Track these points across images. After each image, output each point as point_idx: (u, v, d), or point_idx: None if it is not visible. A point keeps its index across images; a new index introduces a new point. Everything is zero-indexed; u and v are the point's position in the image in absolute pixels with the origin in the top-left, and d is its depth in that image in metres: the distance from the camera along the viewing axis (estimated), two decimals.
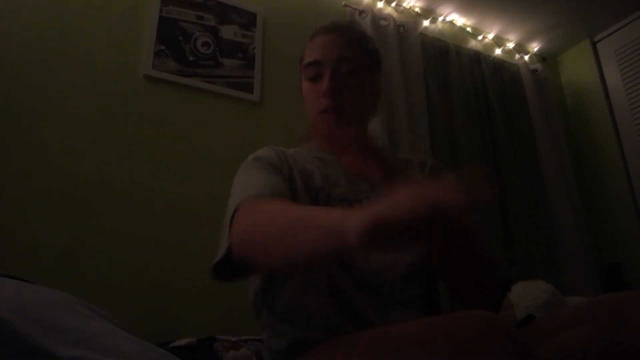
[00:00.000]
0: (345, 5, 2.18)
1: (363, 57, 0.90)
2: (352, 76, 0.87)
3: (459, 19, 2.57)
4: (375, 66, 0.95)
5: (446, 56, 2.39)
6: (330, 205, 0.82)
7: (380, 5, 2.33)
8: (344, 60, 0.87)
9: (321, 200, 0.83)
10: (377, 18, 2.20)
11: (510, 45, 2.72)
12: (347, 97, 0.86)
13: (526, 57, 2.70)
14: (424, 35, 2.35)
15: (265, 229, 0.64)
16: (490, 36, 2.66)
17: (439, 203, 0.42)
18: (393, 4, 2.37)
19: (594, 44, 2.79)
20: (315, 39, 0.91)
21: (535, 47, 2.82)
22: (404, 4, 2.41)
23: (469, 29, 2.61)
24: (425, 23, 2.43)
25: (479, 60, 2.50)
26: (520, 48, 2.78)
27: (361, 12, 2.20)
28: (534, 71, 2.65)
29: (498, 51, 2.67)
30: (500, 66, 2.58)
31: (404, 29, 2.26)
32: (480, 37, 2.63)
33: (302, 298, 0.77)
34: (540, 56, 2.83)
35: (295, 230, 0.59)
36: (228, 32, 1.87)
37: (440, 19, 2.51)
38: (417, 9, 2.44)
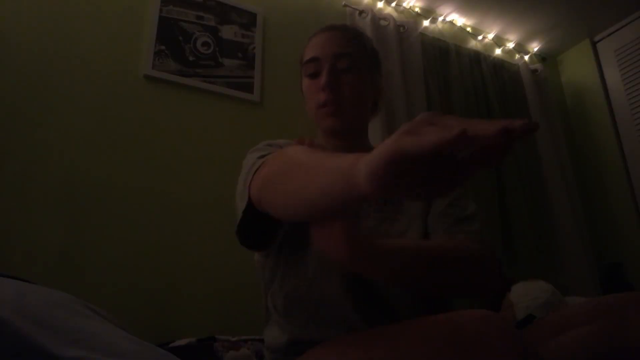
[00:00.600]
0: (345, 5, 2.19)
1: (360, 54, 0.92)
2: (349, 72, 0.89)
3: (459, 19, 2.57)
4: (373, 66, 0.96)
5: (446, 56, 2.39)
6: None
7: (380, 5, 2.33)
8: (341, 56, 0.89)
9: None
10: (377, 18, 2.20)
11: (510, 45, 2.72)
12: (345, 92, 0.88)
13: (526, 57, 2.70)
14: (424, 35, 2.35)
15: (282, 166, 0.62)
16: (490, 36, 2.67)
17: (476, 133, 0.35)
18: (393, 4, 2.37)
19: (594, 44, 2.79)
20: (314, 39, 0.93)
21: (535, 47, 2.82)
22: (404, 4, 2.41)
23: (469, 29, 2.61)
24: (425, 23, 2.43)
25: (479, 60, 2.50)
26: (520, 48, 2.78)
27: (361, 12, 2.20)
28: (534, 71, 2.65)
29: (498, 51, 2.67)
30: (500, 66, 2.58)
31: (404, 29, 2.26)
32: (480, 37, 2.63)
33: (311, 289, 0.77)
34: (540, 56, 2.83)
35: (308, 170, 0.54)
36: (228, 32, 1.87)
37: (440, 19, 2.51)
38: (417, 9, 2.44)
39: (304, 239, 0.75)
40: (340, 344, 0.65)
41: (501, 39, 2.72)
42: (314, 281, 0.77)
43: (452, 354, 0.47)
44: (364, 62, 0.92)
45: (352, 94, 0.89)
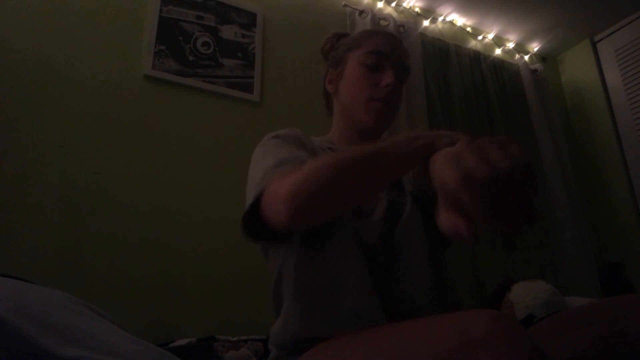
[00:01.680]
0: (345, 5, 2.19)
1: (409, 69, 0.98)
2: (401, 84, 0.94)
3: (459, 19, 2.57)
4: None
5: (446, 56, 2.39)
6: None
7: (380, 5, 2.33)
8: (404, 67, 0.95)
9: None
10: (377, 18, 2.20)
11: (510, 45, 2.72)
12: (397, 99, 0.94)
13: (526, 57, 2.70)
14: (424, 35, 2.35)
15: (332, 170, 0.64)
16: (490, 36, 2.67)
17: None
18: (393, 4, 2.37)
19: (594, 44, 2.79)
20: (382, 36, 0.96)
21: (535, 47, 2.82)
22: (404, 4, 2.41)
23: (469, 29, 2.61)
24: (425, 23, 2.43)
25: (479, 60, 2.50)
26: (520, 48, 2.78)
27: (361, 12, 2.20)
28: (534, 71, 2.65)
29: (498, 51, 2.67)
30: (500, 66, 2.58)
31: (404, 29, 2.26)
32: (480, 37, 2.63)
33: (329, 279, 0.76)
34: (540, 56, 2.84)
35: (377, 157, 0.64)
36: (228, 32, 1.87)
37: (440, 19, 2.51)
38: (417, 9, 2.44)
39: (324, 229, 0.76)
40: (346, 342, 0.64)
41: (501, 39, 2.72)
42: (334, 270, 0.75)
43: (460, 353, 0.47)
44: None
45: (398, 104, 0.95)
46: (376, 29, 1.03)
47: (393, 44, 0.94)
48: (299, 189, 0.63)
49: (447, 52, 2.40)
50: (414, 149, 0.64)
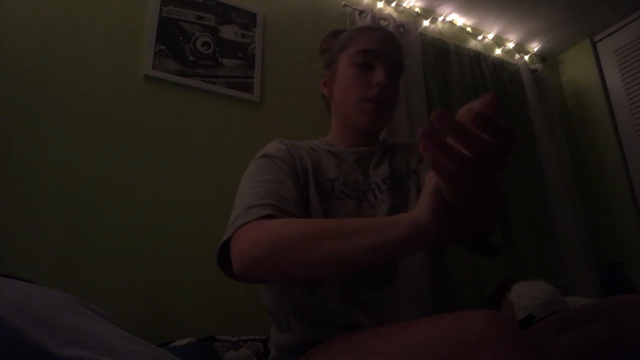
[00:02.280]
0: (345, 5, 2.19)
1: (403, 64, 0.95)
2: (396, 80, 0.92)
3: (459, 19, 2.57)
4: None
5: (446, 56, 2.39)
6: (345, 194, 0.84)
7: (380, 5, 2.33)
8: (397, 62, 0.91)
9: (337, 189, 0.84)
10: (377, 18, 2.20)
11: (510, 45, 2.72)
12: (391, 96, 0.90)
13: (526, 57, 2.70)
14: (423, 35, 2.35)
15: (300, 234, 0.63)
16: (490, 36, 2.67)
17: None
18: (393, 4, 2.37)
19: (594, 44, 2.79)
20: (371, 33, 0.93)
21: (535, 47, 2.82)
22: (404, 4, 2.41)
23: (469, 29, 2.61)
24: (425, 23, 2.43)
25: (479, 60, 2.50)
26: (520, 48, 2.78)
27: (361, 12, 2.20)
28: (534, 71, 2.65)
29: (498, 51, 2.67)
30: (500, 66, 2.58)
31: (404, 29, 2.26)
32: (480, 37, 2.63)
33: (314, 295, 0.76)
34: (540, 56, 2.84)
35: (347, 232, 0.60)
36: (228, 32, 1.87)
37: (440, 19, 2.51)
38: (417, 9, 2.44)
39: None
40: (346, 342, 0.64)
41: (501, 39, 2.72)
42: (333, 283, 0.76)
43: (458, 353, 0.47)
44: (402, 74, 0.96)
45: (393, 101, 0.92)
46: (367, 25, 1.00)
47: (383, 40, 0.91)
48: (253, 252, 0.64)
49: (447, 52, 2.40)
50: (385, 238, 0.58)
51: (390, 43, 0.92)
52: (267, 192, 0.74)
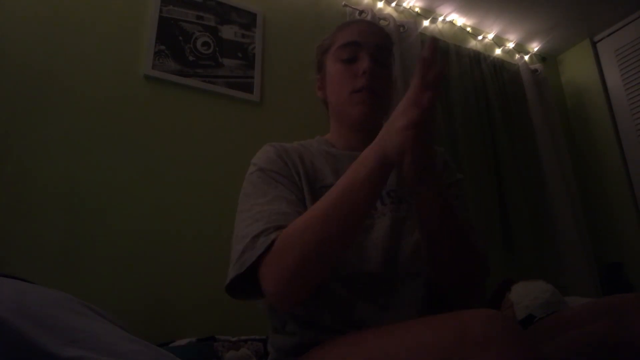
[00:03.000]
0: (345, 5, 2.19)
1: (392, 51, 0.93)
2: (385, 68, 0.89)
3: (459, 19, 2.57)
4: (393, 62, 0.98)
5: (446, 56, 2.39)
6: None
7: (380, 5, 2.33)
8: (383, 49, 0.89)
9: None
10: (377, 18, 2.20)
11: (510, 45, 2.72)
12: (382, 83, 0.88)
13: (526, 57, 2.70)
14: (423, 36, 2.34)
15: (308, 226, 0.67)
16: (490, 36, 2.67)
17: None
18: (393, 4, 2.37)
19: (594, 44, 2.79)
20: (351, 26, 0.92)
21: (535, 47, 2.82)
22: (404, 4, 2.41)
23: (469, 29, 2.61)
24: (425, 23, 2.43)
25: (479, 60, 2.50)
26: (520, 48, 2.78)
27: (361, 12, 2.20)
28: (534, 71, 2.65)
29: (498, 51, 2.67)
30: (500, 66, 2.58)
31: (404, 29, 2.26)
32: (480, 37, 2.63)
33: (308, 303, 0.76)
34: (540, 56, 2.84)
35: (341, 195, 0.66)
36: (228, 32, 1.87)
37: (440, 19, 2.51)
38: (417, 9, 2.44)
39: None
40: (345, 343, 0.64)
41: (501, 39, 2.72)
42: (337, 306, 0.75)
43: (458, 353, 0.47)
44: (393, 62, 0.93)
45: (385, 89, 0.89)
46: (348, 20, 0.99)
47: (364, 30, 0.90)
48: (287, 275, 0.66)
49: (447, 52, 2.39)
50: (370, 167, 0.65)
51: (372, 32, 0.90)
52: (271, 214, 0.73)
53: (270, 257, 0.68)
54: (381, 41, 0.90)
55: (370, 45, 0.87)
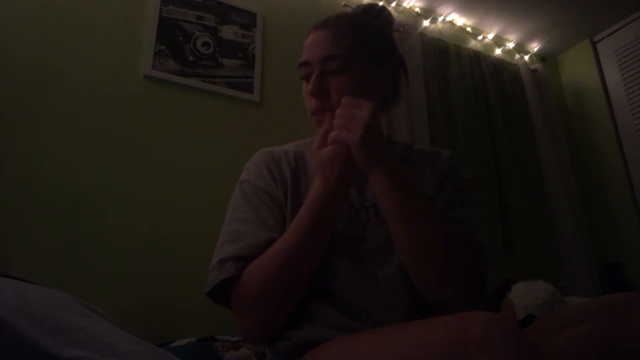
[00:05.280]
0: (345, 5, 2.19)
1: (354, 51, 0.83)
2: (340, 74, 0.81)
3: (459, 19, 2.58)
4: (378, 57, 0.88)
5: (446, 56, 2.39)
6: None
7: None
8: (329, 58, 0.82)
9: None
10: None
11: (510, 45, 2.72)
12: (334, 97, 0.81)
13: (526, 57, 2.71)
14: (424, 35, 2.35)
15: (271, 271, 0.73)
16: (490, 36, 2.67)
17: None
18: (393, 4, 2.37)
19: (594, 44, 2.79)
20: (307, 38, 0.88)
21: (535, 47, 2.82)
22: (404, 4, 2.41)
23: (469, 29, 2.61)
24: (425, 23, 2.43)
25: (479, 60, 2.50)
26: (520, 48, 2.78)
27: None
28: (534, 71, 2.65)
29: (498, 51, 2.67)
30: (500, 66, 2.58)
31: (404, 29, 2.26)
32: (480, 37, 2.63)
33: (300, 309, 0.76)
34: (540, 56, 2.84)
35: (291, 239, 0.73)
36: (228, 32, 1.87)
37: (440, 19, 2.51)
38: (417, 9, 2.44)
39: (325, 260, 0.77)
40: (344, 344, 0.64)
41: (501, 39, 2.72)
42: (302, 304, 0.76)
43: (459, 355, 0.47)
44: (359, 59, 0.84)
45: (349, 94, 0.81)
46: (313, 25, 0.93)
47: (311, 42, 0.85)
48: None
49: (447, 52, 2.40)
50: (324, 200, 0.73)
51: (317, 42, 0.84)
52: (246, 235, 0.77)
53: (238, 294, 0.76)
54: (327, 51, 0.82)
55: (317, 60, 0.82)
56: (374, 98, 0.82)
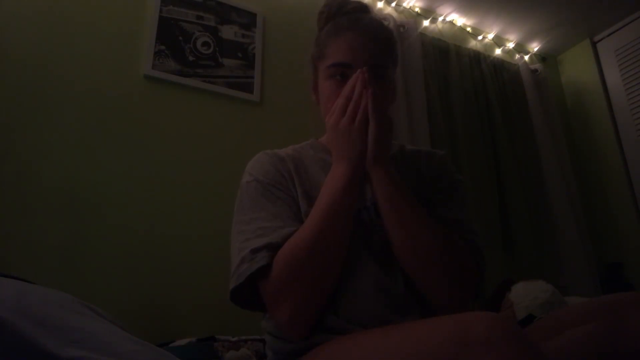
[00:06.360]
0: None
1: (394, 64, 0.90)
2: (380, 80, 0.82)
3: (459, 19, 2.57)
4: (396, 63, 0.92)
5: (446, 56, 2.39)
6: None
7: (380, 5, 2.33)
8: (377, 67, 0.81)
9: None
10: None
11: (510, 45, 2.72)
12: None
13: (526, 57, 2.70)
14: (424, 35, 2.35)
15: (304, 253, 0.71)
16: (490, 36, 2.67)
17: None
18: (393, 4, 2.37)
19: (594, 44, 2.79)
20: (344, 36, 0.83)
21: (535, 47, 2.82)
22: (404, 4, 2.41)
23: (469, 29, 2.61)
24: (425, 23, 2.43)
25: (479, 60, 2.50)
26: (520, 48, 2.78)
27: None
28: (534, 71, 2.65)
29: (498, 51, 2.67)
30: (500, 66, 2.58)
31: (404, 29, 2.26)
32: (480, 37, 2.63)
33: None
34: (540, 56, 2.84)
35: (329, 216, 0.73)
36: (228, 32, 1.87)
37: (440, 19, 2.51)
38: (417, 9, 2.44)
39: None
40: (344, 344, 0.64)
41: (501, 39, 2.72)
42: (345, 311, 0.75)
43: (459, 355, 0.47)
44: (394, 71, 0.89)
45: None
46: (341, 24, 0.89)
47: (357, 44, 0.82)
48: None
49: (447, 52, 2.39)
50: (341, 185, 0.75)
51: (365, 47, 0.82)
52: (272, 231, 0.76)
53: (273, 282, 0.71)
54: (377, 59, 0.82)
55: (361, 65, 0.79)
56: (392, 99, 0.91)
